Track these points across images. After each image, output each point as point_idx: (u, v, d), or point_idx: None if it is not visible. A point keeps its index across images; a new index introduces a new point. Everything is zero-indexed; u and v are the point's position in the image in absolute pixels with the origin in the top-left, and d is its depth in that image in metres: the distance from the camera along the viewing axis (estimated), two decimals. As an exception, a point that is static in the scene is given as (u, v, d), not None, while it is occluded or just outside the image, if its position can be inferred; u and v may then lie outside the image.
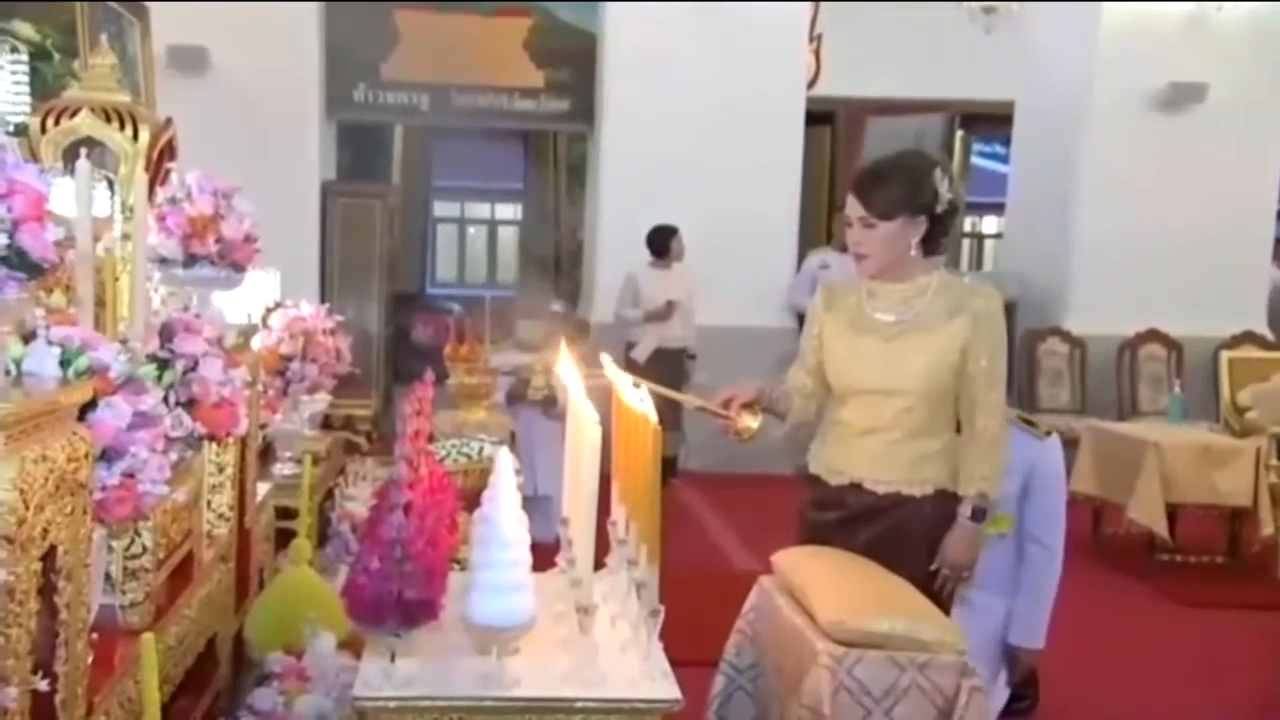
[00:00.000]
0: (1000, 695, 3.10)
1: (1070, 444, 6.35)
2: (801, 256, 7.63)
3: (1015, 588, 3.13)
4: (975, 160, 12.33)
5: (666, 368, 6.25)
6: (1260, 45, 7.38)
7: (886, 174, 2.62)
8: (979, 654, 2.54)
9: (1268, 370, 5.88)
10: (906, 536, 2.55)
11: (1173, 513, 5.33)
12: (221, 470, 2.97)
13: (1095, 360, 7.28)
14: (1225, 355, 6.12)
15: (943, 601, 2.53)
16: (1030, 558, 3.14)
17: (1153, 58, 7.27)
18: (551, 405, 5.18)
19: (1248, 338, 7.12)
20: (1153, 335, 7.28)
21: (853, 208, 2.62)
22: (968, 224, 13.40)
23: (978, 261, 14.17)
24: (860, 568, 2.41)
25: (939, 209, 2.57)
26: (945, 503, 2.56)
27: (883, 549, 2.52)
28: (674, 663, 1.95)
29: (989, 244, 14.06)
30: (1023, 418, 3.26)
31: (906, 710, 2.11)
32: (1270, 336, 7.44)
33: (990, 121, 10.23)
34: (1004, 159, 9.95)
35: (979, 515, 2.53)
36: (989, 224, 13.68)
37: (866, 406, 2.60)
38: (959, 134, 11.69)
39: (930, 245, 2.61)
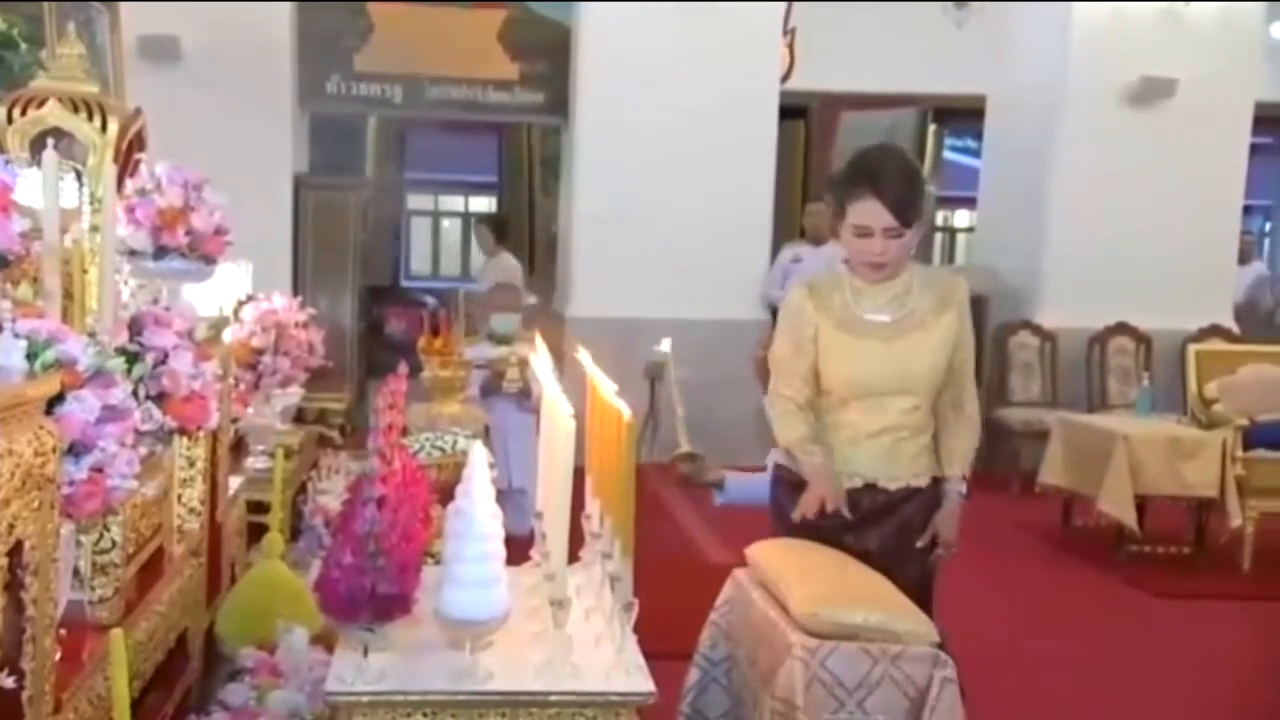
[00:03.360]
0: None
1: (1041, 436, 6.46)
2: (775, 250, 7.63)
3: None
4: (947, 154, 12.39)
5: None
6: (1228, 41, 7.44)
7: (904, 174, 2.56)
8: None
9: (1234, 363, 5.92)
10: (913, 529, 2.60)
11: (1141, 504, 5.38)
12: (192, 464, 2.95)
13: (1066, 353, 7.33)
14: (1192, 348, 6.16)
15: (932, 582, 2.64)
16: None
17: (1124, 52, 7.32)
18: (526, 398, 5.16)
19: (1215, 331, 7.18)
20: (1122, 329, 7.33)
21: (878, 217, 2.51)
22: (940, 218, 13.47)
23: (950, 255, 14.25)
24: (833, 560, 2.41)
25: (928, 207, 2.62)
26: (936, 488, 2.64)
27: (893, 544, 2.57)
28: (648, 655, 1.95)
29: (961, 238, 14.14)
30: None
31: (879, 701, 2.12)
32: (1236, 330, 7.52)
33: (962, 116, 10.28)
34: (976, 153, 9.99)
35: (960, 497, 2.64)
36: (961, 218, 13.76)
37: (874, 408, 2.59)
38: (931, 128, 11.72)
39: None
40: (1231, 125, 7.57)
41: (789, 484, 2.67)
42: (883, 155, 2.64)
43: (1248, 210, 8.93)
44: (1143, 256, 7.30)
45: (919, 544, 2.60)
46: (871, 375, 2.58)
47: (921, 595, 2.57)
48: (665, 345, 4.02)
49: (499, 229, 8.25)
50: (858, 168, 2.59)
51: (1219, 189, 7.61)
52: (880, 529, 2.59)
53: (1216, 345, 6.66)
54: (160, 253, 2.83)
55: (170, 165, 2.92)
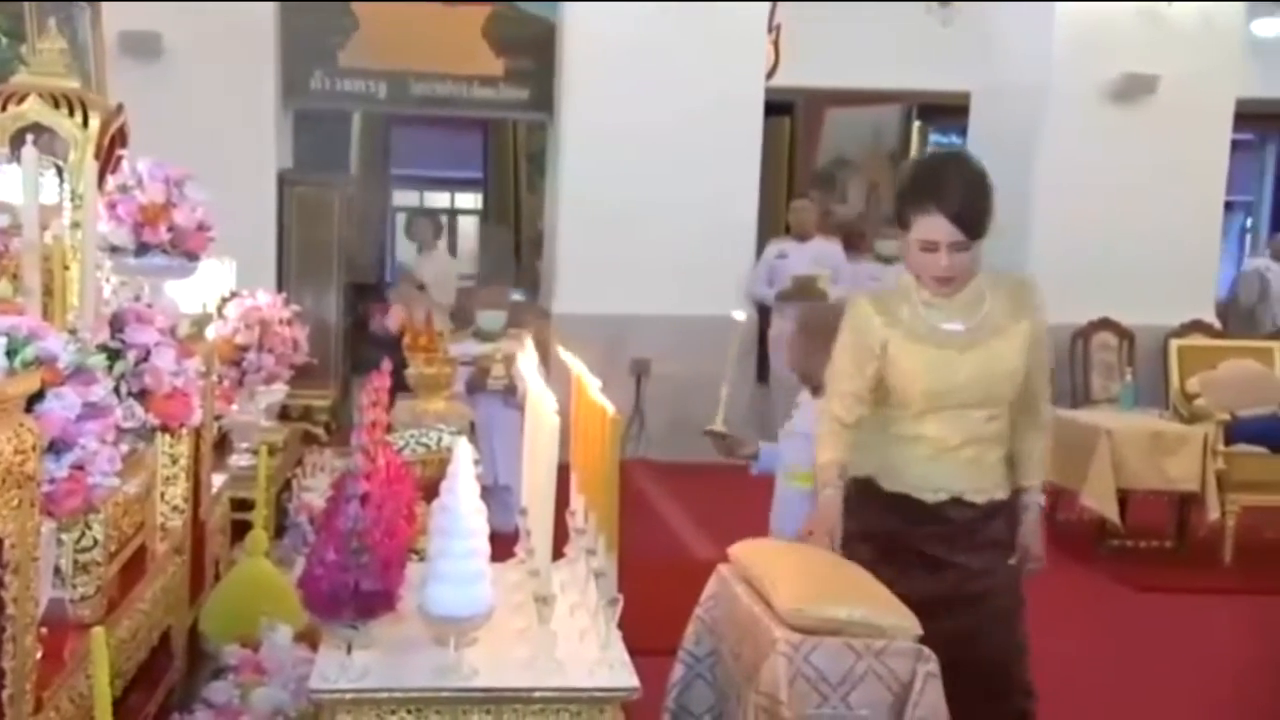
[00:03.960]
0: None
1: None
2: (760, 246, 7.64)
3: None
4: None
5: None
6: (1209, 38, 7.47)
7: (971, 186, 2.45)
8: None
9: (1215, 358, 5.96)
10: (1004, 545, 2.57)
11: (1123, 498, 5.41)
12: (175, 462, 2.93)
13: (1049, 348, 7.37)
14: (1174, 343, 6.19)
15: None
16: None
17: (1106, 49, 7.34)
18: (511, 394, 5.15)
19: (1196, 326, 7.22)
20: (1105, 324, 7.37)
21: (943, 231, 2.40)
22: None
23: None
24: (817, 557, 2.41)
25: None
26: (1015, 500, 2.61)
27: (990, 562, 2.53)
28: (633, 651, 1.95)
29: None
30: None
31: (862, 696, 2.12)
32: (1218, 325, 7.56)
33: (947, 112, 10.27)
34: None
35: (1035, 511, 2.61)
36: (945, 214, 13.79)
37: (954, 419, 2.51)
38: (916, 125, 11.74)
39: None
40: (1213, 122, 7.61)
41: (869, 498, 2.58)
42: (946, 166, 2.53)
43: (1229, 206, 9.00)
44: (1125, 252, 7.33)
45: (1010, 560, 2.57)
46: (952, 386, 2.49)
47: (1018, 612, 2.59)
48: (739, 315, 4.07)
49: (437, 227, 8.35)
50: (920, 180, 2.49)
51: (1201, 185, 7.64)
52: (973, 548, 2.52)
53: (1198, 341, 6.70)
54: (142, 249, 2.82)
55: (152, 161, 2.90)
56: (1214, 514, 5.36)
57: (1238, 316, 8.93)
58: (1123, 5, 7.32)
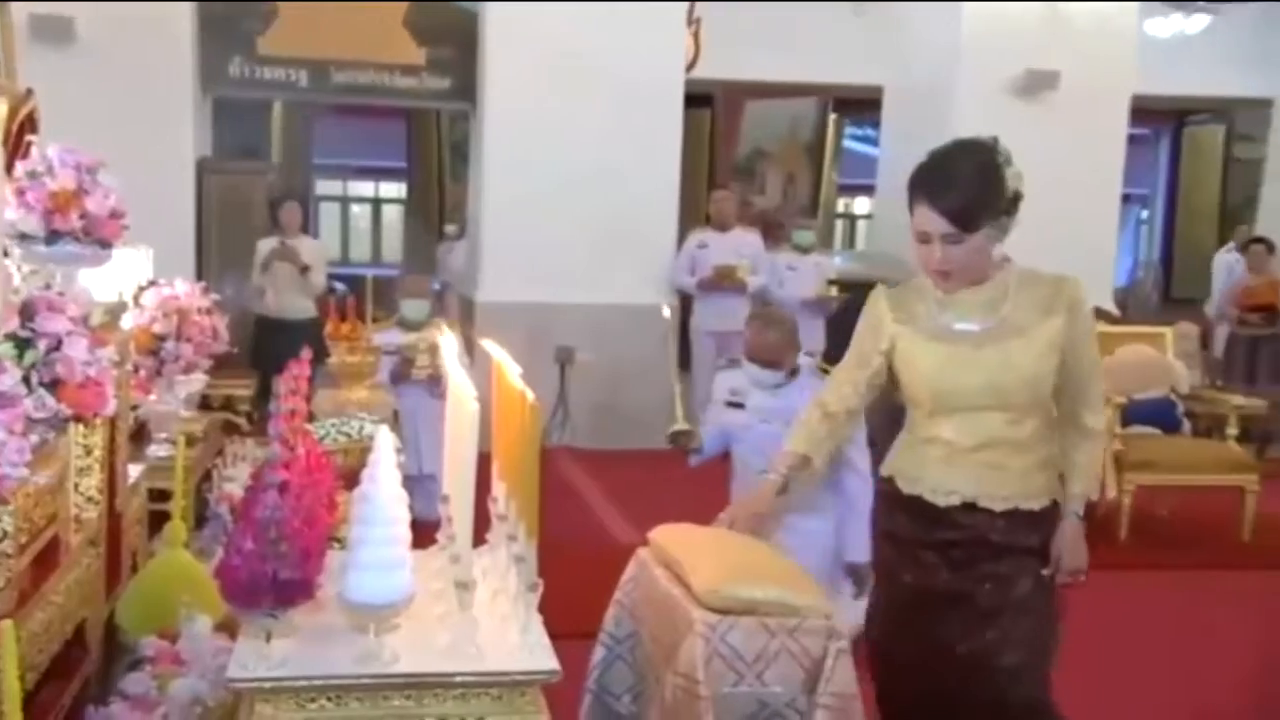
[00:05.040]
0: (855, 609, 3.18)
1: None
2: (682, 236, 7.66)
3: (833, 512, 3.32)
4: (847, 143, 12.57)
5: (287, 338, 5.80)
6: (1106, 37, 7.68)
7: (966, 177, 2.33)
8: (815, 574, 2.65)
9: (1113, 344, 6.12)
10: (1034, 553, 2.42)
11: (1028, 479, 5.53)
12: (89, 452, 2.84)
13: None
14: (1075, 330, 6.37)
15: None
16: (848, 483, 3.30)
17: (1010, 46, 7.51)
18: (436, 384, 5.09)
19: (1095, 313, 7.36)
20: (1011, 311, 7.53)
21: (934, 223, 2.29)
22: (840, 205, 13.66)
23: (850, 241, 14.47)
24: (733, 540, 2.43)
25: (1017, 203, 2.34)
26: (1058, 512, 2.44)
27: (1001, 573, 2.38)
28: (556, 635, 1.95)
29: (861, 224, 14.37)
30: (821, 368, 3.47)
31: (777, 673, 2.14)
32: (1116, 312, 7.79)
33: (862, 106, 10.42)
34: (875, 142, 10.16)
35: (1079, 516, 2.44)
36: (861, 205, 13.98)
37: (968, 422, 2.36)
38: (832, 117, 11.89)
39: (1004, 235, 2.38)
40: (1110, 117, 7.83)
41: (890, 499, 2.50)
42: (949, 155, 2.40)
43: (1126, 199, 9.26)
44: (1029, 242, 7.30)
45: (1044, 571, 2.43)
46: (959, 387, 2.36)
47: (1041, 627, 2.43)
48: (667, 312, 4.19)
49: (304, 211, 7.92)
50: (920, 170, 2.38)
51: (1099, 178, 7.86)
52: (994, 556, 2.37)
53: (1097, 327, 6.87)
54: (53, 237, 2.71)
55: (63, 148, 2.80)
56: (1111, 493, 5.52)
57: (1138, 303, 9.19)
58: (1026, 5, 7.48)
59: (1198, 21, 9.82)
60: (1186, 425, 5.94)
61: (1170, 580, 5.06)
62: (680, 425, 3.44)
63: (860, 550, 3.14)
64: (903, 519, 2.45)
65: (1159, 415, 5.80)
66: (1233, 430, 5.80)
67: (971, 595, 2.36)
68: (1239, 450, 5.80)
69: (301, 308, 7.11)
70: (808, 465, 2.53)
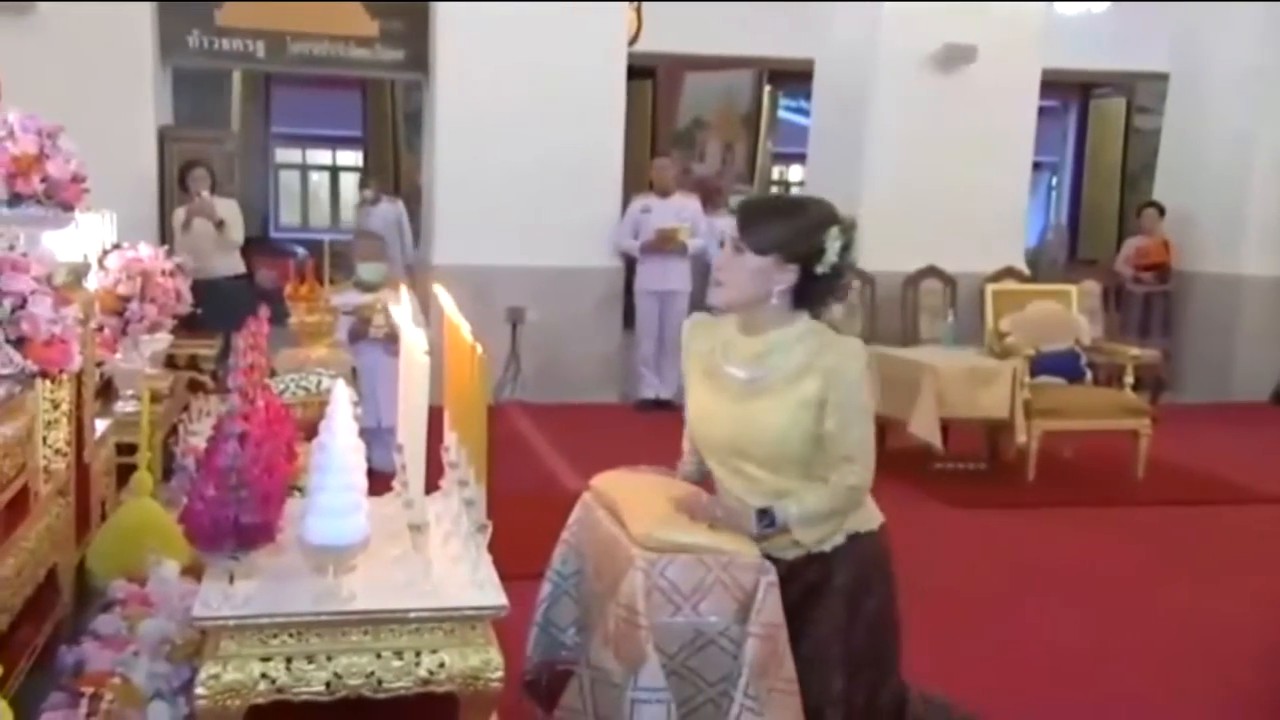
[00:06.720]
0: None
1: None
2: (626, 202, 7.63)
3: None
4: (782, 114, 12.57)
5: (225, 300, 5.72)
6: (1019, 14, 7.73)
7: (784, 205, 2.34)
8: None
9: (1024, 301, 6.23)
10: (817, 594, 2.25)
11: (945, 426, 5.64)
12: (57, 406, 2.79)
13: (883, 293, 7.59)
14: (990, 288, 6.45)
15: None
16: None
17: (930, 21, 7.52)
18: (393, 342, 5.04)
19: (1008, 273, 7.54)
20: (931, 271, 7.62)
21: (733, 227, 2.29)
22: (775, 173, 13.68)
23: (784, 207, 14.49)
24: (672, 487, 2.44)
25: (818, 269, 2.19)
26: (852, 546, 2.28)
27: (808, 611, 2.24)
28: (506, 576, 1.96)
29: (795, 190, 14.41)
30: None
31: (711, 604, 2.17)
32: (1027, 272, 7.92)
33: (795, 78, 10.41)
34: (807, 113, 10.17)
35: (766, 524, 2.21)
36: (795, 173, 14.01)
37: (731, 471, 2.29)
38: (767, 89, 11.88)
39: (807, 303, 2.25)
40: (1022, 89, 7.89)
41: None
42: (795, 196, 2.39)
43: (1037, 166, 9.38)
44: (948, 207, 7.58)
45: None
46: (711, 434, 2.31)
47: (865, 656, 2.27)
48: None
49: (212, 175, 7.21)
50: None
51: (1012, 147, 7.94)
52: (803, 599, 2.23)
53: (1010, 286, 6.98)
54: (15, 200, 2.64)
55: (23, 113, 2.72)
56: (1021, 438, 5.64)
57: (1045, 265, 9.33)
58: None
59: (1103, 3, 9.96)
60: (1089, 375, 6.07)
61: (1072, 516, 5.21)
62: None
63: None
64: None
65: (1064, 366, 5.92)
66: (1129, 379, 5.95)
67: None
68: (1134, 397, 5.96)
69: (228, 265, 6.87)
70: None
